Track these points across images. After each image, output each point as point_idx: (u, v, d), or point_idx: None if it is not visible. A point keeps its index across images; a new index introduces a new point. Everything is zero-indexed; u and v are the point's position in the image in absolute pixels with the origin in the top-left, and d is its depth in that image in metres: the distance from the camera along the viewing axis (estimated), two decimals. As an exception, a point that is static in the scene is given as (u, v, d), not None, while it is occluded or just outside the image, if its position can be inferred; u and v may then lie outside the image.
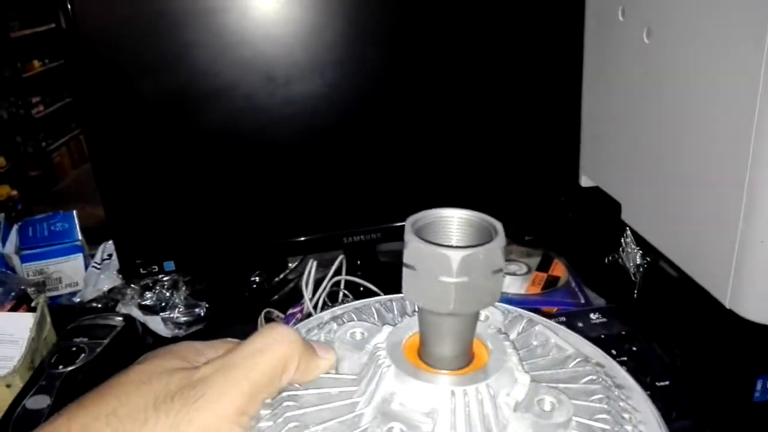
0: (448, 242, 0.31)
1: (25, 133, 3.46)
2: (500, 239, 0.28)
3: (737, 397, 0.55)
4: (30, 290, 0.75)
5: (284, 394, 0.32)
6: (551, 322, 0.39)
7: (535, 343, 0.36)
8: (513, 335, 0.36)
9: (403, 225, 0.30)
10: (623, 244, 0.70)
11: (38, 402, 0.58)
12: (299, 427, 0.29)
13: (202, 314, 0.75)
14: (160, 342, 0.74)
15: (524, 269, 0.82)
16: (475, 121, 0.77)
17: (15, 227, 0.88)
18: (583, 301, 0.76)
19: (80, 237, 0.87)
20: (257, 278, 0.81)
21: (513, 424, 0.30)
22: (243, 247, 0.75)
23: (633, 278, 0.68)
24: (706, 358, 0.59)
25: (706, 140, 0.54)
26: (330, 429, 0.30)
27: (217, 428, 0.28)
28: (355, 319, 0.37)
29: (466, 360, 0.31)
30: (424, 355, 0.31)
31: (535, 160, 0.81)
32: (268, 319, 0.74)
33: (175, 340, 0.75)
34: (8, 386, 0.62)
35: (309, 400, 0.31)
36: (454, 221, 0.31)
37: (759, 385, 0.55)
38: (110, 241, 0.85)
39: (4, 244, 0.86)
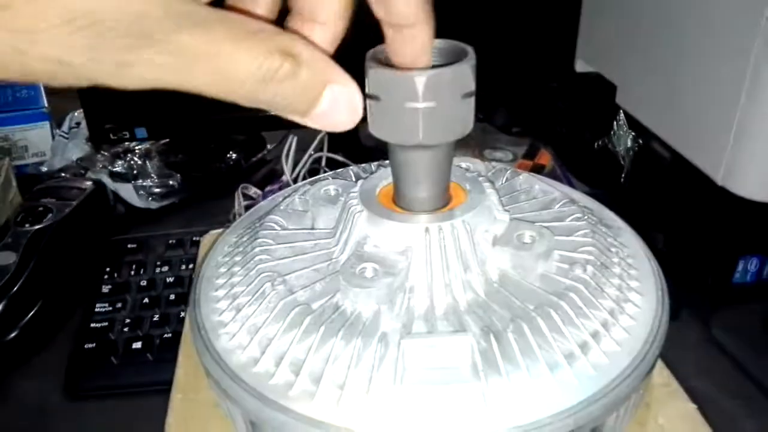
0: None
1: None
2: (470, 59, 0.25)
3: (718, 277, 0.56)
4: (-7, 156, 0.72)
5: (257, 248, 0.30)
6: (541, 177, 0.37)
7: (519, 189, 0.35)
8: (497, 184, 0.35)
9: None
10: (615, 128, 0.69)
11: (4, 258, 0.56)
12: (271, 276, 0.28)
13: (176, 186, 0.72)
14: (131, 212, 0.72)
15: (509, 156, 0.81)
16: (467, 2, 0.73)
17: (-24, 95, 0.83)
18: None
19: (46, 104, 0.82)
20: (233, 155, 0.78)
21: (492, 259, 0.29)
22: (218, 115, 0.72)
23: (622, 162, 0.68)
24: (689, 240, 0.59)
25: (711, 9, 0.52)
26: (303, 276, 0.29)
27: None
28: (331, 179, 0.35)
29: (442, 201, 0.29)
30: (397, 199, 0.30)
31: (529, 44, 0.78)
32: (245, 195, 0.72)
33: (147, 212, 0.73)
34: (-28, 244, 0.60)
35: (282, 254, 0.30)
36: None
37: (740, 266, 0.55)
38: (78, 111, 0.81)
39: (-35, 110, 0.81)
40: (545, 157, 0.81)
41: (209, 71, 0.18)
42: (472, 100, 0.26)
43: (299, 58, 0.20)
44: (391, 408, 0.23)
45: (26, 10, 0.16)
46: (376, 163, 0.37)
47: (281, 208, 0.34)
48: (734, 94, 0.49)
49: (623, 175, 0.68)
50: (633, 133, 0.66)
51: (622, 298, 0.29)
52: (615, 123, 0.68)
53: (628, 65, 0.67)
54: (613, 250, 0.31)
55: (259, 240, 0.31)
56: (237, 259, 0.31)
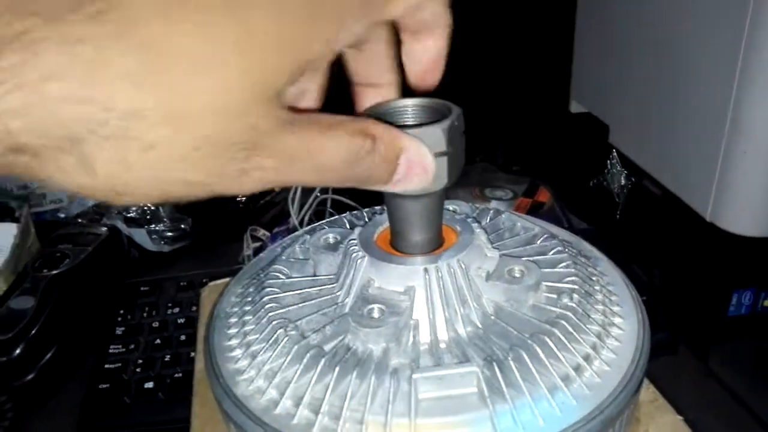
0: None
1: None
2: (447, 121, 0.27)
3: (713, 311, 0.59)
4: (13, 204, 0.75)
5: (266, 297, 0.32)
6: (520, 214, 0.41)
7: (503, 227, 0.38)
8: (482, 222, 0.38)
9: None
10: (608, 167, 0.72)
11: (22, 302, 0.59)
12: (283, 323, 0.30)
13: (187, 230, 0.76)
14: (145, 255, 0.75)
15: (510, 195, 0.84)
16: (467, 47, 0.78)
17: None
18: (566, 225, 0.79)
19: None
20: (242, 198, 0.82)
21: (486, 293, 0.31)
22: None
23: (616, 199, 0.71)
24: (684, 275, 0.62)
25: (695, 57, 0.56)
26: (313, 321, 0.31)
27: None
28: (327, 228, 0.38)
29: (436, 243, 0.32)
30: (395, 243, 0.32)
31: (526, 87, 0.82)
32: (254, 237, 0.75)
33: (160, 255, 0.76)
34: (-8, 289, 0.63)
35: (290, 301, 0.32)
36: (409, 109, 0.30)
37: (734, 300, 0.58)
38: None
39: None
40: (544, 195, 0.84)
41: (307, 165, 0.21)
42: (443, 159, 0.28)
43: (375, 135, 0.23)
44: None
45: (165, 148, 0.18)
46: (367, 210, 0.40)
47: (283, 258, 0.37)
48: (718, 132, 0.53)
49: (618, 212, 0.71)
50: (626, 171, 0.69)
51: (607, 322, 0.32)
52: (609, 161, 0.72)
53: (619, 106, 0.71)
54: (594, 278, 0.34)
55: (266, 289, 0.33)
56: (247, 308, 0.33)
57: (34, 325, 0.57)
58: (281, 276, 0.35)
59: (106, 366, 0.58)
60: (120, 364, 0.58)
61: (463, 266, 0.31)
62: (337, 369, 0.27)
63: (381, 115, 0.28)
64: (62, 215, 0.80)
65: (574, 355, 0.29)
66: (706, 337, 0.61)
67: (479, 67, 0.81)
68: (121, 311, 0.64)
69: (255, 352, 0.30)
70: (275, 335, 0.30)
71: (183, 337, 0.60)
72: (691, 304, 0.62)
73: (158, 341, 0.60)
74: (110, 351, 0.60)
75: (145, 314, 0.64)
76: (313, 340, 0.30)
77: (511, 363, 0.27)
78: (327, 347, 0.29)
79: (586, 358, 0.29)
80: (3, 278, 0.63)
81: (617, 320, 0.32)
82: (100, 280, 0.67)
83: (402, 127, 0.26)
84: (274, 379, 0.29)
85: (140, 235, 0.75)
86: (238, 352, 0.31)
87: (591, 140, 0.75)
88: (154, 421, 0.54)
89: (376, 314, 0.29)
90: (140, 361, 0.58)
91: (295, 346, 0.29)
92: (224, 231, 0.79)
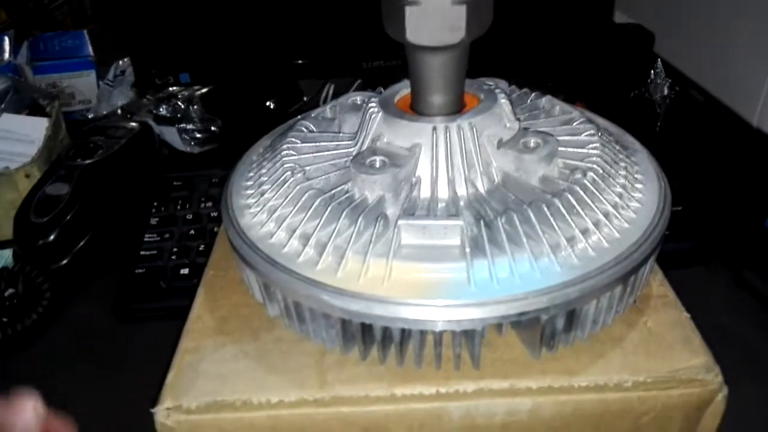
0: None
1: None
2: None
3: (750, 221, 0.57)
4: (43, 102, 0.77)
5: (285, 145, 0.34)
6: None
7: (541, 108, 0.37)
8: (520, 105, 0.37)
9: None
10: (652, 76, 0.70)
11: (58, 189, 0.62)
12: (292, 167, 0.32)
13: (217, 131, 0.77)
14: (175, 155, 0.77)
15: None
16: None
17: (25, 43, 0.90)
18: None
19: (92, 53, 0.88)
20: (271, 105, 0.82)
21: (497, 161, 0.31)
22: (259, 63, 0.76)
23: (657, 110, 0.69)
24: (722, 184, 0.60)
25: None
26: (321, 169, 0.32)
27: None
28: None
29: (455, 106, 0.32)
30: (414, 104, 0.33)
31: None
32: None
33: (189, 156, 0.78)
34: (27, 176, 0.66)
35: (306, 150, 0.34)
36: None
37: (773, 210, 0.56)
38: (123, 60, 0.87)
39: (15, 57, 0.87)
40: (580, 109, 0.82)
41: None
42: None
43: None
44: (383, 277, 0.27)
45: None
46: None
47: (312, 116, 0.38)
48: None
49: (658, 123, 0.69)
50: (670, 81, 0.67)
51: (619, 204, 0.31)
52: (652, 72, 0.70)
53: (667, 12, 0.68)
54: (622, 164, 0.33)
55: (287, 140, 0.35)
56: (267, 155, 0.35)
57: (69, 211, 0.59)
58: (304, 130, 0.36)
59: (142, 253, 0.59)
60: (155, 252, 0.59)
61: (475, 130, 0.31)
62: (329, 208, 0.29)
63: None
64: (90, 115, 0.83)
65: (570, 227, 0.28)
66: (740, 248, 0.60)
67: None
68: (155, 203, 0.65)
69: (264, 191, 0.32)
70: (283, 176, 0.32)
71: (216, 229, 0.61)
72: (727, 215, 0.61)
73: (192, 232, 0.61)
74: (145, 240, 0.61)
75: (178, 207, 0.64)
76: (317, 184, 0.31)
77: (500, 224, 0.28)
78: (327, 191, 0.30)
79: (584, 231, 0.29)
80: (37, 167, 0.66)
81: (633, 204, 0.31)
82: (133, 173, 0.68)
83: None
84: (274, 214, 0.31)
85: (170, 134, 0.76)
86: (250, 191, 0.34)
87: (635, 51, 0.73)
88: (189, 306, 0.57)
89: (377, 165, 0.30)
90: (175, 250, 0.59)
91: (298, 187, 0.31)
92: (254, 136, 0.80)
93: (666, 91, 0.67)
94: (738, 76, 0.57)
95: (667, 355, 0.29)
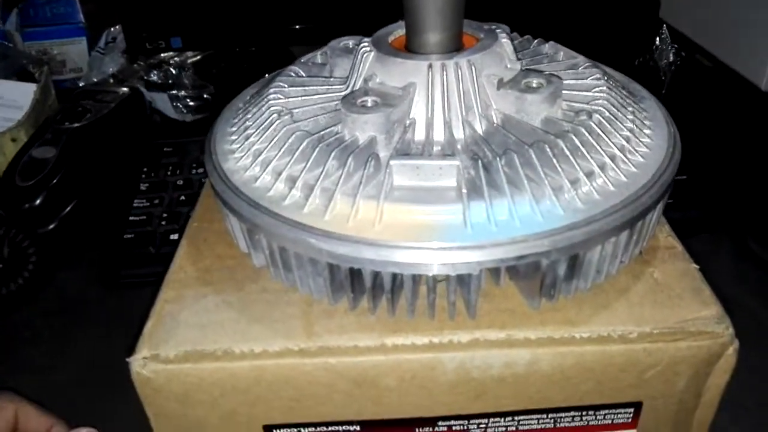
0: None
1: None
2: None
3: (757, 188, 0.56)
4: (33, 68, 0.76)
5: (272, 89, 0.32)
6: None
7: (544, 53, 0.35)
8: (523, 51, 0.35)
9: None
10: (657, 43, 0.68)
11: (44, 152, 0.60)
12: (279, 110, 0.30)
13: (210, 99, 0.75)
14: (166, 123, 0.75)
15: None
16: None
17: (15, 9, 0.88)
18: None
19: (83, 20, 0.86)
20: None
21: (497, 104, 0.29)
22: (251, 29, 0.74)
23: (662, 77, 0.67)
24: (728, 151, 0.59)
25: None
26: (309, 111, 0.31)
27: None
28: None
29: (451, 45, 0.30)
30: (408, 43, 0.31)
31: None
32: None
33: (182, 125, 0.76)
34: (13, 140, 0.64)
35: (293, 94, 0.32)
36: None
37: (781, 175, 0.55)
38: (114, 27, 0.85)
39: (4, 23, 0.85)
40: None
41: None
42: None
43: None
44: (374, 220, 0.25)
45: None
46: None
47: (302, 61, 0.36)
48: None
49: (663, 90, 0.67)
50: (675, 46, 0.66)
51: (626, 148, 0.29)
52: (658, 38, 0.68)
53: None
54: (629, 108, 0.31)
55: (275, 84, 0.33)
56: (253, 101, 0.34)
57: (55, 175, 0.58)
58: (293, 75, 0.34)
59: (131, 218, 0.58)
60: (145, 217, 0.58)
61: (473, 69, 0.29)
62: (317, 150, 0.27)
63: None
64: (81, 83, 0.81)
65: (574, 169, 0.27)
66: (746, 216, 0.58)
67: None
68: (145, 169, 0.64)
69: (248, 135, 0.31)
70: (269, 119, 0.30)
71: (207, 193, 0.61)
72: (733, 182, 0.59)
73: (183, 197, 0.60)
74: (134, 205, 0.59)
75: (168, 173, 0.63)
76: (305, 126, 0.29)
77: (500, 165, 0.26)
78: (315, 132, 0.29)
79: (589, 174, 0.27)
80: (24, 130, 0.64)
81: (640, 149, 0.30)
82: (122, 138, 0.67)
83: None
84: (259, 157, 0.29)
85: (162, 101, 0.74)
86: (234, 136, 0.32)
87: (639, 17, 0.71)
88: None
89: (369, 105, 0.28)
90: (165, 215, 0.58)
91: (284, 129, 0.29)
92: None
93: (671, 58, 0.66)
94: (746, 39, 0.55)
95: (675, 305, 0.27)
